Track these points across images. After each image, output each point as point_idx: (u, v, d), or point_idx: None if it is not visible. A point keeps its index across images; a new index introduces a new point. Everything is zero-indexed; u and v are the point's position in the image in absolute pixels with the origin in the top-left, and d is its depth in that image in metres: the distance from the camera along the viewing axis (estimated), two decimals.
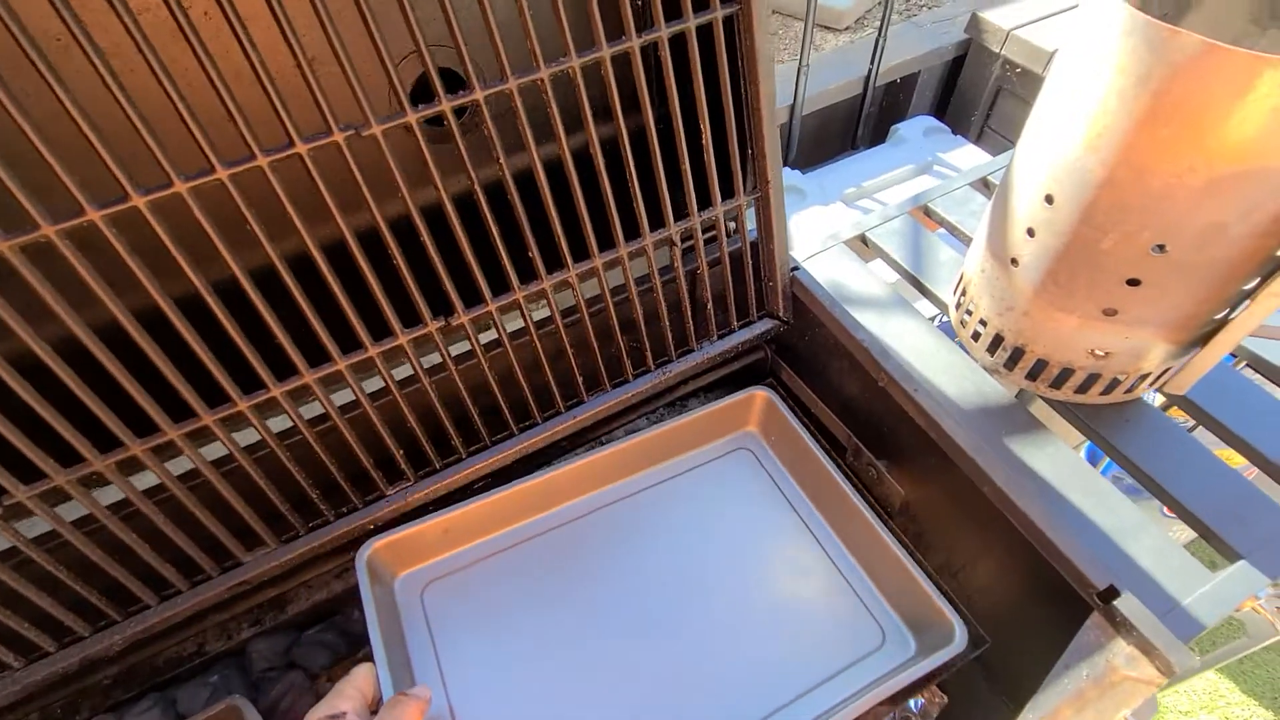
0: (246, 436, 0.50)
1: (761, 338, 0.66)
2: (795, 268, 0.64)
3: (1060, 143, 0.46)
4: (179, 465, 0.49)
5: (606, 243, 0.54)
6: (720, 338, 0.65)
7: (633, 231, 0.55)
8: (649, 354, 0.63)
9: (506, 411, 0.59)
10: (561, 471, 0.66)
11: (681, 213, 0.56)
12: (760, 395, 0.68)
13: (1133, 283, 0.47)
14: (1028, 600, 0.50)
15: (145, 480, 0.48)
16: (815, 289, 0.61)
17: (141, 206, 0.37)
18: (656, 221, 0.55)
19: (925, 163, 1.42)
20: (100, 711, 0.53)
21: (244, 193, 0.39)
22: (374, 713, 0.45)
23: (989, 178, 0.81)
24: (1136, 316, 0.49)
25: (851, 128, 1.62)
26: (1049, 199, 0.48)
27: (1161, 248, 0.44)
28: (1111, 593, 0.42)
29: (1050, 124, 0.47)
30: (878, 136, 1.63)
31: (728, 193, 0.57)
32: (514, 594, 0.61)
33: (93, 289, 0.38)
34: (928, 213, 0.79)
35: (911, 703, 0.80)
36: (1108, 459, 0.58)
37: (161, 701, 0.52)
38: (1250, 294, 0.45)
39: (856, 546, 0.60)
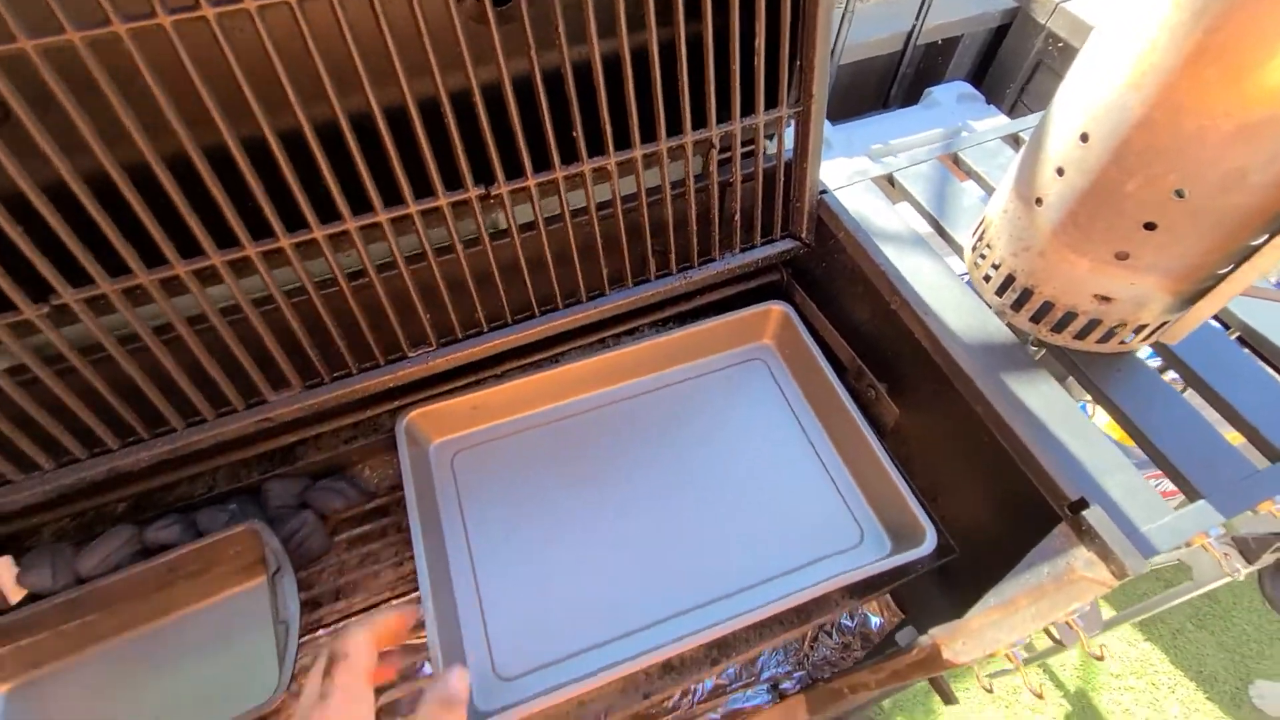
0: (286, 276, 0.52)
1: (781, 257, 0.68)
2: (824, 191, 0.65)
3: (1104, 80, 0.48)
4: (219, 295, 0.50)
5: (648, 137, 0.55)
6: (742, 251, 0.67)
7: (675, 129, 0.56)
8: (673, 257, 0.64)
9: (531, 292, 0.61)
10: (584, 364, 0.69)
11: (724, 117, 0.57)
12: (777, 309, 0.71)
13: (1149, 227, 0.49)
14: (999, 515, 0.54)
15: (185, 306, 0.50)
16: (841, 212, 0.63)
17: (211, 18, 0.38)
18: (698, 124, 0.56)
19: (955, 128, 1.42)
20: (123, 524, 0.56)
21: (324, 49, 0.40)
22: None
23: (1021, 134, 0.82)
24: (1146, 263, 0.52)
25: (886, 85, 1.60)
26: (1084, 137, 0.50)
27: (1181, 193, 0.46)
28: (1081, 504, 0.46)
29: (1096, 62, 0.49)
30: (910, 97, 1.62)
31: (771, 103, 0.58)
32: (533, 467, 0.66)
33: (169, 120, 0.39)
34: (956, 161, 0.80)
35: (873, 620, 0.85)
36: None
37: (182, 521, 0.56)
38: (1255, 250, 0.48)
39: (849, 456, 0.64)
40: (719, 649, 0.55)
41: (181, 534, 0.55)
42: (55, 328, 0.46)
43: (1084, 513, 0.45)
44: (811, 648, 0.84)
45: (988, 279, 0.65)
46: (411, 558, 0.61)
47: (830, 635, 0.84)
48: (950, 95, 1.50)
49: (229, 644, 0.54)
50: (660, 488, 0.65)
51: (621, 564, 0.60)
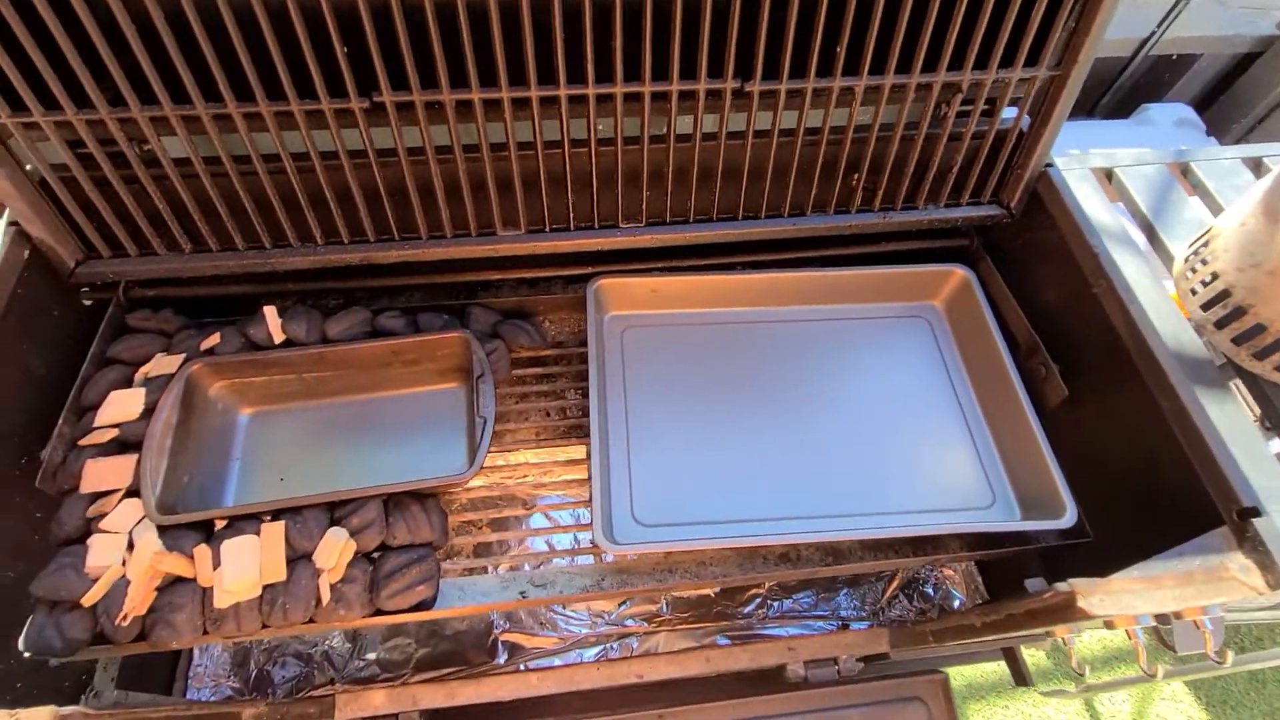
0: (550, 129, 0.58)
1: (980, 221, 0.69)
2: (1049, 165, 0.65)
3: None
4: (494, 131, 0.57)
5: (903, 68, 0.57)
6: (946, 206, 0.68)
7: (930, 65, 0.57)
8: (879, 196, 0.66)
9: (742, 197, 0.65)
10: (760, 277, 0.74)
11: (980, 65, 0.58)
12: (959, 273, 0.72)
13: None
14: (1146, 508, 0.55)
15: (464, 133, 0.57)
16: (1063, 188, 0.63)
17: None
18: (954, 65, 0.57)
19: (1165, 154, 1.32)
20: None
21: None
22: None
23: (1265, 159, 0.77)
24: None
25: (1098, 92, 1.50)
26: None
27: None
28: (1252, 512, 0.46)
29: None
30: (1119, 110, 1.51)
31: (1031, 60, 0.58)
32: (694, 359, 0.72)
33: None
34: (1185, 173, 0.77)
35: (956, 597, 0.88)
36: None
37: (405, 317, 0.65)
38: None
39: (997, 425, 0.66)
40: (833, 554, 0.60)
41: (405, 327, 0.64)
42: (367, 125, 0.54)
43: (1253, 520, 0.46)
44: (889, 603, 0.87)
45: (1195, 292, 0.64)
46: (574, 405, 0.69)
47: (911, 598, 0.88)
48: (1168, 116, 1.39)
49: (429, 430, 0.63)
50: (805, 407, 0.69)
51: (756, 462, 0.66)
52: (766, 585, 0.86)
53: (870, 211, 0.68)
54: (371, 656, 0.79)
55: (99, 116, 0.50)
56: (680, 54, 0.53)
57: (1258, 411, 0.64)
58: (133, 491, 0.53)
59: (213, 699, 0.76)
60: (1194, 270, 0.64)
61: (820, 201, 0.67)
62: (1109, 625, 0.49)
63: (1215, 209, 0.74)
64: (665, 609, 0.84)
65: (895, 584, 0.86)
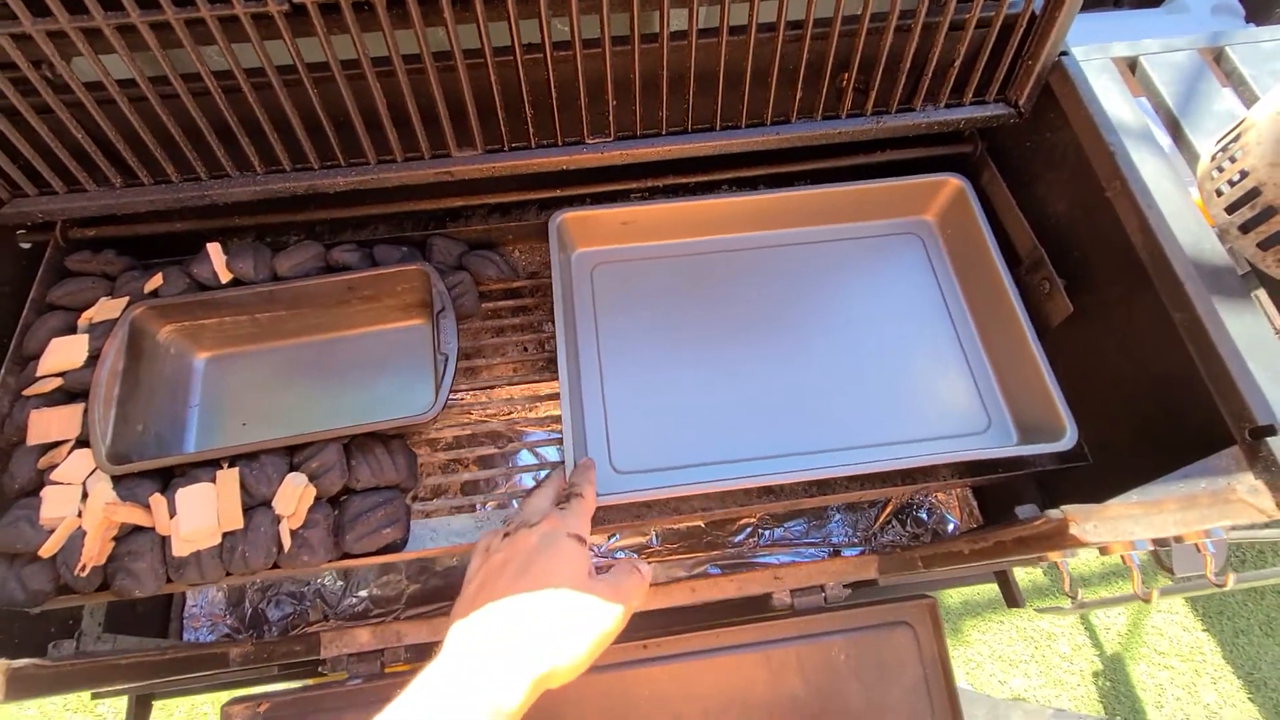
0: (499, 33, 0.51)
1: (985, 122, 0.62)
2: (1064, 53, 0.58)
3: None
4: (435, 41, 0.51)
5: None
6: (946, 107, 0.61)
7: None
8: (871, 98, 0.60)
9: (719, 105, 0.59)
10: (736, 200, 0.68)
11: None
12: (954, 183, 0.66)
13: None
14: (1153, 429, 0.52)
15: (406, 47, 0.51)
16: (1079, 78, 0.56)
17: None
18: None
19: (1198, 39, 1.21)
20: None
21: None
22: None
23: None
24: None
25: None
26: None
27: None
28: (1267, 430, 0.43)
29: None
30: None
31: None
32: (670, 293, 0.68)
33: None
34: (1219, 60, 0.69)
35: (950, 521, 0.86)
36: None
37: (361, 250, 0.61)
38: None
39: (993, 345, 0.62)
40: (818, 486, 0.58)
41: (360, 261, 0.60)
42: (292, 34, 0.48)
43: (1267, 439, 0.42)
44: (881, 529, 0.86)
45: (1220, 193, 0.58)
46: (551, 337, 0.65)
47: (904, 523, 0.86)
48: (1204, 2, 1.26)
49: (394, 369, 0.60)
50: (789, 336, 0.65)
51: (739, 397, 0.62)
52: (758, 514, 0.85)
53: (862, 116, 0.61)
54: (364, 594, 0.80)
55: None
56: None
57: None
58: (83, 441, 0.51)
59: (210, 639, 0.77)
60: (1221, 169, 0.58)
61: (806, 107, 0.61)
62: (1104, 551, 0.47)
63: (1250, 100, 0.66)
64: (655, 540, 0.83)
65: (888, 510, 0.85)
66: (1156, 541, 0.49)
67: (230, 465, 0.50)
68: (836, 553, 0.85)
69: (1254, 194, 0.55)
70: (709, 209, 0.68)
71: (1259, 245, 0.56)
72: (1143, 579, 0.50)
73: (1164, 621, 1.32)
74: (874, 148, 0.67)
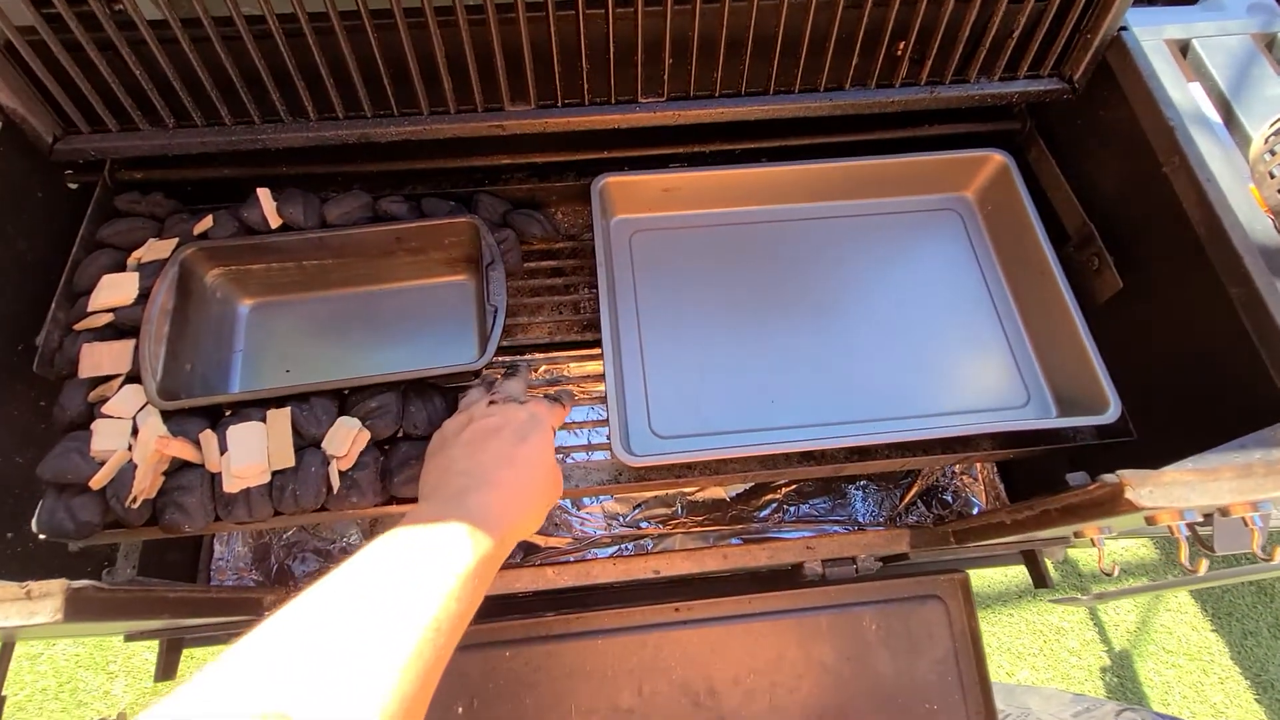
0: None
1: (1038, 97, 0.62)
2: (1124, 28, 0.58)
3: None
4: None
5: None
6: (1001, 80, 0.61)
7: None
8: (926, 68, 0.60)
9: (775, 70, 0.58)
10: (781, 170, 0.68)
11: None
12: (997, 158, 0.66)
13: None
14: (1203, 404, 0.52)
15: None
16: (1137, 52, 0.56)
17: None
18: None
19: (1250, 23, 1.20)
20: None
21: None
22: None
23: None
24: None
25: None
26: None
27: None
28: None
29: None
30: None
31: None
32: (708, 262, 0.68)
33: None
34: (1271, 46, 0.69)
35: (975, 504, 0.86)
36: None
37: (409, 202, 0.60)
38: None
39: (1033, 321, 0.63)
40: (859, 453, 0.58)
41: (409, 212, 0.60)
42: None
43: None
44: (906, 510, 0.86)
45: (1274, 175, 0.58)
46: (588, 300, 0.65)
47: (929, 505, 0.87)
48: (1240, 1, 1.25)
49: (437, 322, 0.60)
50: (826, 307, 0.65)
51: (776, 366, 0.62)
52: (783, 491, 0.85)
53: (915, 85, 0.61)
54: None
55: None
56: None
57: None
58: (133, 377, 0.51)
59: None
60: (1273, 152, 0.58)
61: (861, 75, 0.60)
62: (1151, 521, 0.47)
63: None
64: (680, 511, 0.83)
65: (914, 491, 0.85)
66: (1203, 517, 0.49)
67: (279, 406, 0.50)
68: (861, 530, 0.85)
69: None
70: (751, 178, 0.68)
71: None
72: (1186, 555, 0.50)
73: (1173, 620, 1.32)
74: (922, 120, 0.67)
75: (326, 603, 0.30)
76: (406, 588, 0.31)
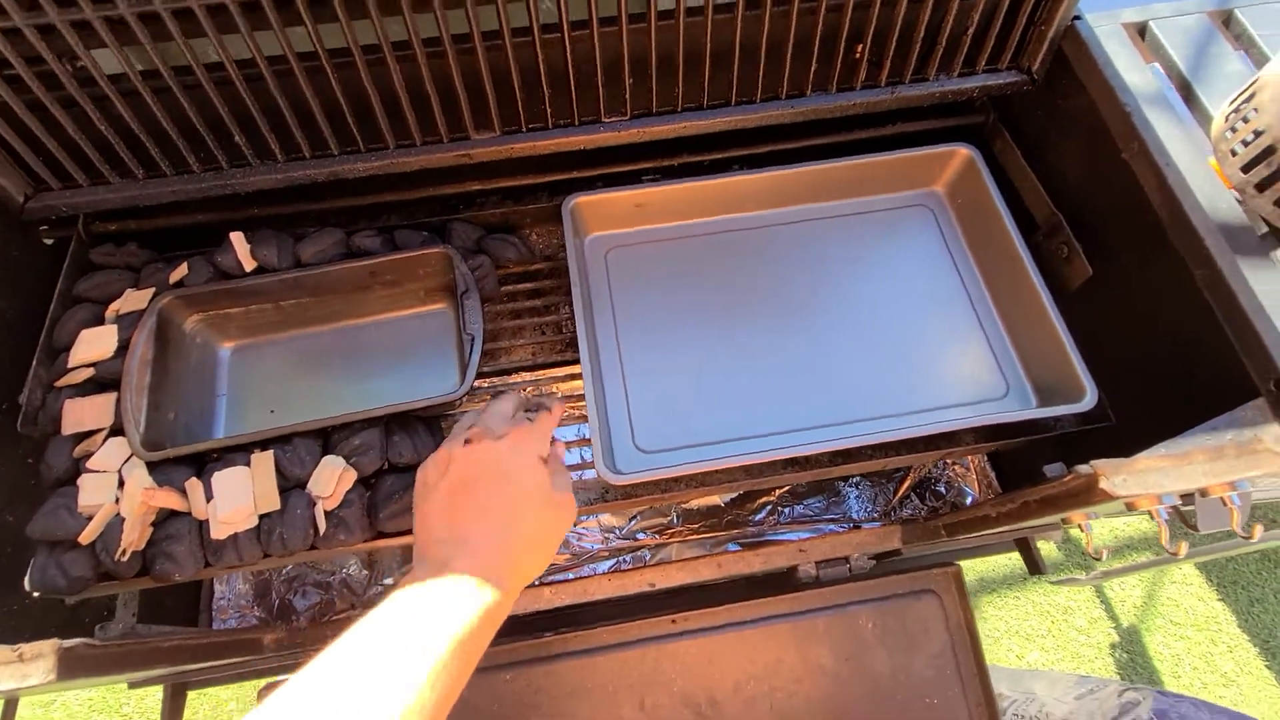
0: (517, 14, 0.52)
1: (999, 90, 0.63)
2: (1078, 17, 0.58)
3: None
4: (455, 21, 0.51)
5: None
6: (960, 76, 0.62)
7: None
8: (885, 69, 0.60)
9: (735, 80, 0.59)
10: (746, 178, 0.68)
11: None
12: (963, 153, 0.67)
13: None
14: (1176, 388, 0.52)
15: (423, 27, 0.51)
16: (1092, 41, 0.57)
17: None
18: None
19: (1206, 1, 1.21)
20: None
21: None
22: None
23: None
24: None
25: None
26: None
27: None
28: None
29: None
30: None
31: None
32: (684, 274, 0.68)
33: None
34: (1228, 23, 0.69)
35: (968, 494, 0.87)
36: None
37: (382, 235, 0.61)
38: None
39: (1008, 312, 0.63)
40: (843, 455, 0.58)
41: (382, 245, 0.60)
42: (314, 21, 0.49)
43: None
44: (900, 504, 0.87)
45: (1235, 153, 0.58)
46: (569, 320, 0.66)
47: (923, 498, 0.87)
48: None
49: (418, 354, 0.61)
50: (803, 311, 0.65)
51: (757, 373, 0.63)
52: (776, 494, 0.85)
53: (876, 87, 0.62)
54: (389, 581, 0.80)
55: (13, 24, 0.45)
56: None
57: None
58: (117, 430, 0.52)
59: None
60: (1234, 129, 0.58)
61: (821, 80, 0.61)
62: (1130, 507, 0.48)
63: (1261, 61, 0.67)
64: (676, 520, 0.84)
65: (907, 484, 0.86)
66: (1182, 497, 0.49)
67: (263, 449, 0.51)
68: (856, 527, 0.86)
69: (1269, 152, 0.55)
70: (721, 188, 0.69)
71: (1275, 202, 0.56)
72: (1167, 538, 0.51)
73: (1179, 592, 1.32)
74: (886, 120, 0.68)
75: (320, 677, 0.32)
76: (394, 656, 0.33)
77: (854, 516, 0.86)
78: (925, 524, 0.65)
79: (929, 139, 0.69)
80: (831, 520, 0.85)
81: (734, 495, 0.85)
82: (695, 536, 0.83)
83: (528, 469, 0.42)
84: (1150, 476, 0.43)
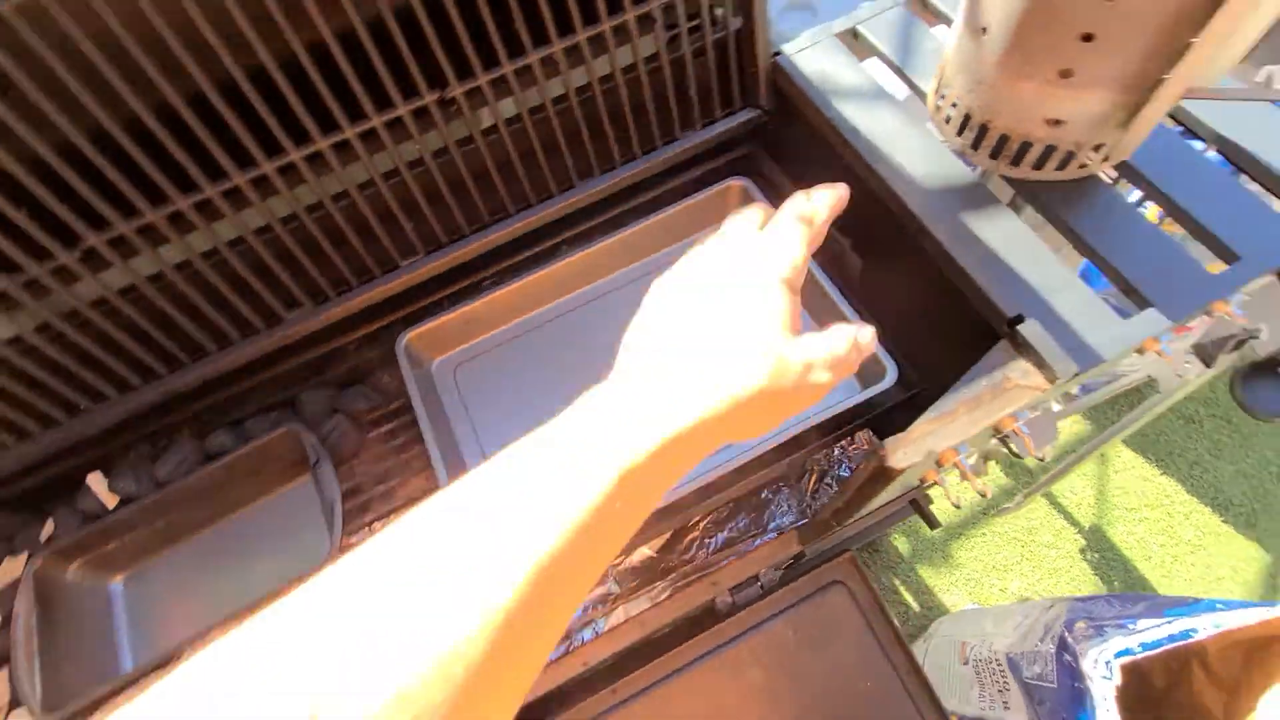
0: (277, 205, 0.57)
1: (746, 127, 0.70)
2: (777, 53, 0.66)
3: None
4: (222, 231, 0.56)
5: (591, 20, 0.56)
6: (705, 126, 0.68)
7: (615, 7, 0.57)
8: (635, 142, 0.67)
9: (505, 192, 0.65)
10: (556, 266, 0.73)
11: None
12: (736, 185, 0.73)
13: (1086, 38, 0.49)
14: (953, 346, 0.58)
15: (198, 244, 0.56)
16: (794, 73, 0.64)
17: None
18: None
19: None
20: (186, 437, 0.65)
21: None
22: None
23: None
24: (1089, 76, 0.52)
25: None
26: None
27: None
28: (1017, 319, 0.49)
29: None
30: None
31: None
32: (532, 369, 0.72)
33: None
34: (924, 5, 0.78)
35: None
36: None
37: (233, 431, 0.64)
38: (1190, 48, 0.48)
39: (813, 311, 0.68)
40: (707, 491, 0.62)
41: (234, 442, 0.63)
42: (92, 273, 0.53)
43: (1020, 327, 0.49)
44: (813, 496, 0.91)
45: (949, 120, 0.66)
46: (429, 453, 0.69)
47: (831, 485, 0.91)
48: None
49: (287, 529, 0.64)
50: None
51: None
52: (700, 526, 0.89)
53: (635, 160, 0.68)
54: None
55: None
56: (367, 90, 0.52)
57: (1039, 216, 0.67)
58: (16, 702, 0.53)
59: None
60: (940, 101, 0.66)
61: (584, 170, 0.67)
62: (939, 464, 0.53)
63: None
64: (615, 587, 0.86)
65: (814, 478, 0.90)
66: (997, 437, 0.55)
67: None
68: (782, 534, 0.90)
69: (967, 117, 0.62)
70: (541, 280, 0.73)
71: (990, 156, 0.63)
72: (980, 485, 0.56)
73: (1124, 479, 1.39)
74: (666, 177, 0.74)
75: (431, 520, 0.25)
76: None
77: (780, 523, 0.90)
78: (815, 521, 0.69)
79: (715, 177, 0.76)
80: (757, 533, 0.89)
81: (662, 542, 0.88)
82: (636, 595, 0.86)
83: (765, 293, 0.31)
84: (925, 442, 0.48)
